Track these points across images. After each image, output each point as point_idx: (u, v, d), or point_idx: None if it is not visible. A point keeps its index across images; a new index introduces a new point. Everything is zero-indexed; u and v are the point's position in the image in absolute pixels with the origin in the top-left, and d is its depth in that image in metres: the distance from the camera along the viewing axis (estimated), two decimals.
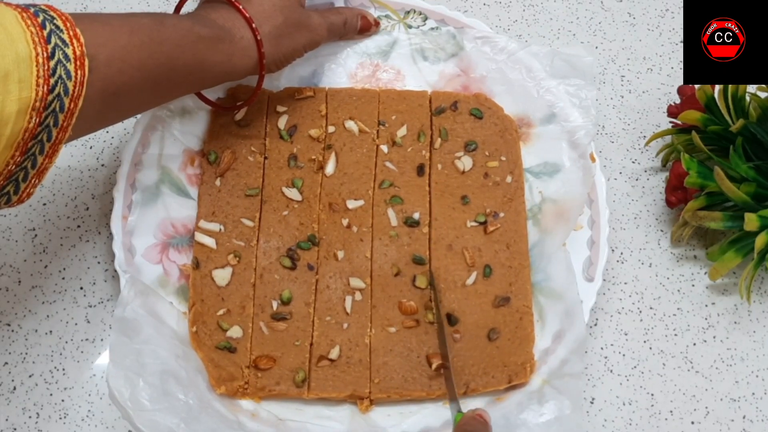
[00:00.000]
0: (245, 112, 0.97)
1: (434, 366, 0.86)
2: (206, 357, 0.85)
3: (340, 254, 0.91)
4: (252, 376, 0.85)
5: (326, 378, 0.86)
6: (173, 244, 0.91)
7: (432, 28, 1.04)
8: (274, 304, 0.88)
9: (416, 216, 0.93)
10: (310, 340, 0.87)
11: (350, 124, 0.98)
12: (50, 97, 0.66)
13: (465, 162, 0.96)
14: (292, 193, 0.93)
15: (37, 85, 0.64)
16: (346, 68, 1.03)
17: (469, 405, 0.85)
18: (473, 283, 0.91)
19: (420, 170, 0.96)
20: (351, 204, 0.93)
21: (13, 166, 0.67)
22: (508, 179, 0.96)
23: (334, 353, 0.87)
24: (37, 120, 0.65)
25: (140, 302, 0.83)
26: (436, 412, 0.86)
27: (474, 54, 1.02)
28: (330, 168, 0.95)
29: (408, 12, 1.05)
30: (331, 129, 0.97)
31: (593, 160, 0.96)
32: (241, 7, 0.85)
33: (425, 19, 1.04)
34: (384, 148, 0.97)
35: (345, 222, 0.92)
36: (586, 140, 0.96)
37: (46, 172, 0.70)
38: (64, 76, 0.66)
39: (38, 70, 0.64)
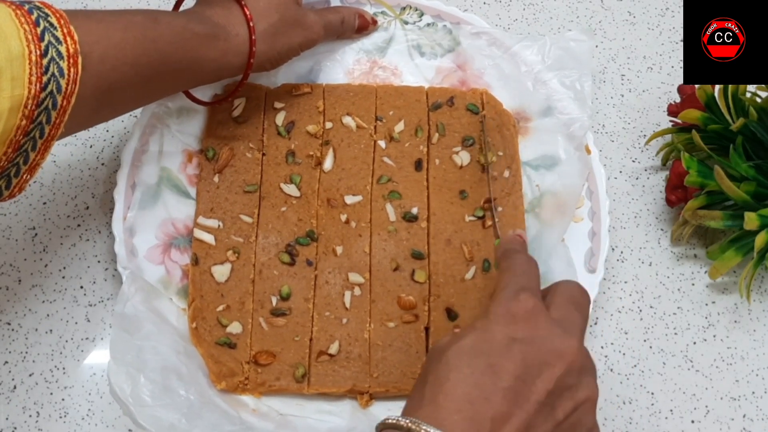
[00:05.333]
0: (243, 108, 0.97)
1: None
2: (206, 353, 0.86)
3: (339, 249, 0.91)
4: (252, 372, 0.86)
5: (326, 373, 0.86)
6: (175, 245, 0.91)
7: (428, 24, 1.04)
8: (274, 300, 0.88)
9: (414, 211, 0.93)
10: (310, 336, 0.88)
11: (348, 120, 0.98)
12: (43, 95, 0.66)
13: (462, 157, 0.97)
14: (291, 189, 0.93)
15: (30, 83, 0.65)
16: (343, 65, 1.03)
17: None
18: (472, 278, 0.91)
19: (418, 165, 0.96)
20: (349, 199, 0.94)
21: (6, 163, 0.67)
22: (506, 174, 0.96)
23: (333, 348, 0.87)
24: (30, 117, 0.66)
25: (140, 299, 0.83)
26: None
27: (470, 49, 1.02)
28: (328, 164, 0.95)
29: (404, 8, 1.05)
30: (328, 125, 0.97)
31: (588, 152, 0.96)
32: (243, 3, 0.85)
33: (421, 15, 1.04)
34: (382, 143, 0.97)
35: (343, 217, 0.93)
36: (581, 132, 0.96)
37: (38, 168, 0.71)
38: (57, 74, 0.67)
39: (31, 68, 0.65)
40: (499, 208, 0.94)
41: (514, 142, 0.98)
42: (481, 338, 0.63)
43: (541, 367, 0.62)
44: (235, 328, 0.87)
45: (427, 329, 0.89)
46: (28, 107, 0.65)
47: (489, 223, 0.93)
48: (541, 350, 0.62)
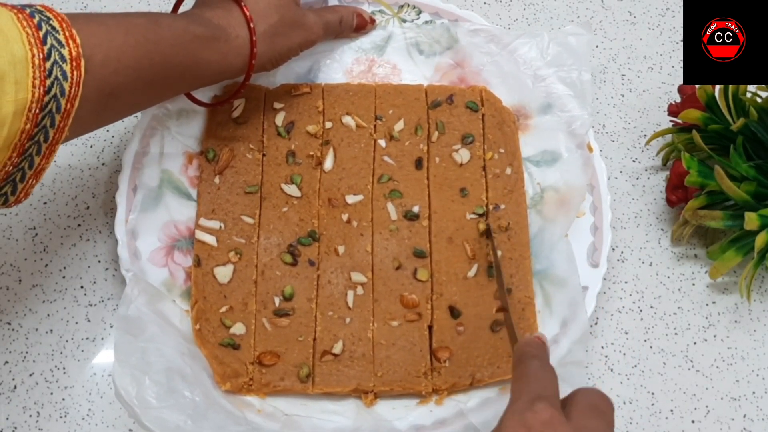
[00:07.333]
0: (242, 109, 0.97)
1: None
2: (210, 354, 0.86)
3: (341, 249, 0.91)
4: (256, 373, 0.86)
5: (330, 373, 0.86)
6: (178, 247, 0.91)
7: (426, 22, 1.04)
8: (276, 301, 0.89)
9: (416, 209, 0.94)
10: (313, 336, 0.88)
11: (347, 120, 0.98)
12: (47, 99, 0.66)
13: (462, 154, 0.97)
14: (291, 190, 0.93)
15: (33, 86, 0.65)
16: (341, 64, 1.03)
17: (475, 396, 0.87)
18: (474, 275, 0.91)
19: (418, 164, 0.96)
20: (350, 199, 0.94)
21: (11, 168, 0.67)
22: (508, 171, 0.96)
23: (337, 348, 0.87)
24: (34, 121, 0.66)
25: (144, 301, 0.83)
26: (443, 402, 0.86)
27: (469, 47, 1.02)
28: (328, 164, 0.95)
29: (402, 6, 1.05)
30: (328, 125, 0.97)
31: (590, 150, 0.96)
32: (243, 5, 0.85)
33: (419, 12, 1.04)
34: (382, 142, 0.97)
35: (345, 217, 0.93)
36: (583, 130, 0.96)
37: (44, 172, 0.71)
38: (60, 77, 0.66)
39: (34, 72, 0.65)
40: (502, 206, 0.94)
41: (514, 139, 0.98)
42: None
43: None
44: (238, 329, 0.87)
45: (430, 327, 0.89)
46: (32, 111, 0.65)
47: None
48: None
